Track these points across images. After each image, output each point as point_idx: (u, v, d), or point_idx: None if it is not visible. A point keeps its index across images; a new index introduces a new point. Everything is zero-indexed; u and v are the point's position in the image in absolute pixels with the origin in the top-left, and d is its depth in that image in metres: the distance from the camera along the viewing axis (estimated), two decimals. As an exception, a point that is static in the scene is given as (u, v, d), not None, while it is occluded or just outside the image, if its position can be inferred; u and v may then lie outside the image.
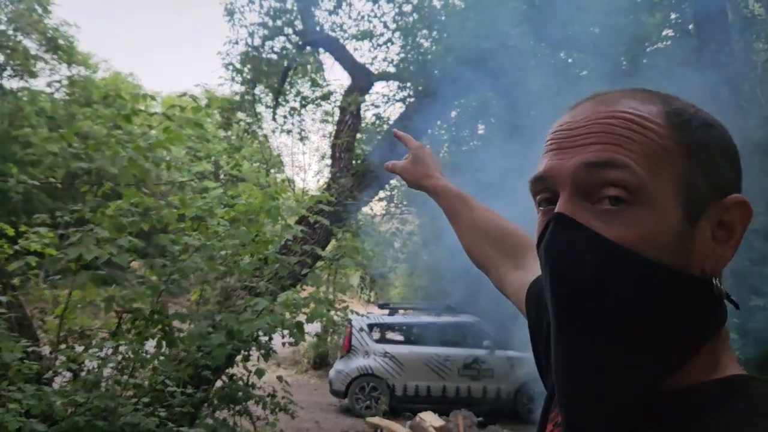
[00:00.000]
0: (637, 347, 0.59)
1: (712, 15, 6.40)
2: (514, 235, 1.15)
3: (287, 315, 4.05)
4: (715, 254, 0.60)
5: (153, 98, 4.68)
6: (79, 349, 4.33)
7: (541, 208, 0.69)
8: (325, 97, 9.54)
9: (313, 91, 9.65)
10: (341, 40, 7.82)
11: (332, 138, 7.40)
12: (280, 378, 4.93)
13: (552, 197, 0.66)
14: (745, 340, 5.40)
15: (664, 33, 8.95)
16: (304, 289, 5.05)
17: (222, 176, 21.43)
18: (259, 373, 4.28)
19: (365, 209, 8.89)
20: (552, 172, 0.64)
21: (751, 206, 0.60)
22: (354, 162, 6.83)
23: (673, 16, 8.56)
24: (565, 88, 7.52)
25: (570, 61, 8.88)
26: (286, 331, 4.66)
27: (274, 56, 8.30)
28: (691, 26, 7.21)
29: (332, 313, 4.18)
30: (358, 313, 5.47)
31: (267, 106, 9.15)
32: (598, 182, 0.60)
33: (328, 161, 12.15)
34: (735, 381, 0.60)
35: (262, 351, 4.73)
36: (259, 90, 8.89)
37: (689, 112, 0.63)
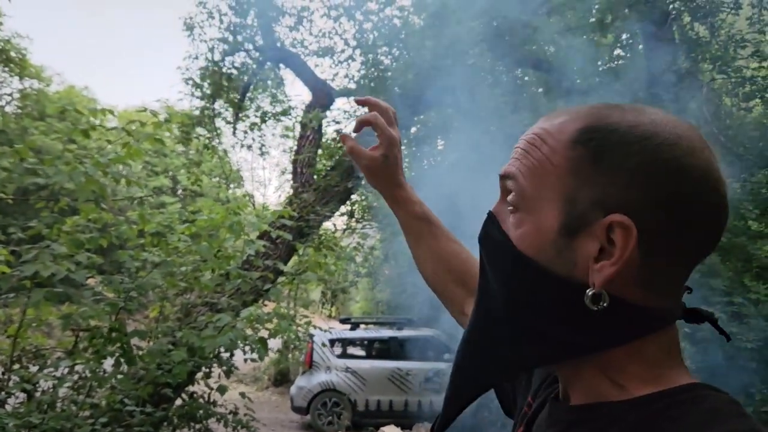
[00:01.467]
0: (517, 335, 0.67)
1: (660, 37, 6.67)
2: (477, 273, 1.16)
3: (250, 331, 4.02)
4: (595, 268, 0.61)
5: (112, 113, 4.61)
6: (34, 369, 4.22)
7: None
8: (285, 112, 9.54)
9: (274, 106, 9.64)
10: (302, 57, 7.85)
11: (293, 153, 7.40)
12: (243, 395, 4.88)
13: None
14: (697, 349, 5.58)
15: (615, 53, 9.27)
16: (265, 305, 5.03)
17: (180, 191, 21.15)
18: (222, 389, 4.24)
19: (326, 224, 8.89)
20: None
21: (631, 227, 0.59)
22: (315, 177, 6.85)
23: (624, 36, 8.88)
24: (522, 105, 7.72)
25: (526, 78, 9.12)
26: (248, 347, 4.64)
27: (234, 71, 8.28)
28: (640, 47, 7.48)
29: (295, 328, 4.17)
30: (320, 329, 5.45)
31: (227, 122, 9.10)
32: (505, 188, 0.71)
33: (289, 176, 12.15)
34: (687, 390, 0.61)
35: (224, 368, 4.69)
36: (218, 105, 8.84)
37: (604, 129, 0.62)
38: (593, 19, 7.59)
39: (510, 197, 0.68)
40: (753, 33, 6.73)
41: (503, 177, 0.70)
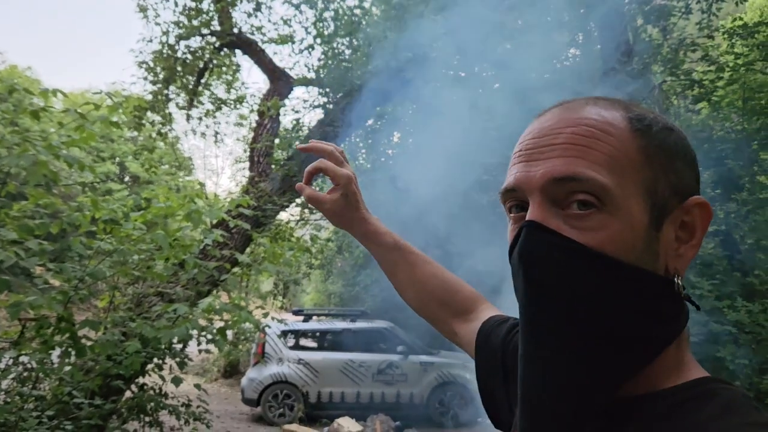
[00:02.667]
0: (605, 347, 0.61)
1: (616, 38, 6.83)
2: (461, 292, 1.13)
3: (204, 322, 3.95)
4: (677, 254, 0.63)
5: (64, 94, 4.40)
6: (-25, 359, 4.04)
7: (511, 215, 0.71)
8: (240, 99, 9.38)
9: (228, 93, 9.46)
10: (260, 44, 7.71)
11: (250, 142, 7.28)
12: (198, 386, 4.78)
13: (522, 204, 0.68)
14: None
15: (571, 51, 9.45)
16: (219, 296, 4.93)
17: (127, 178, 20.55)
18: (177, 381, 4.14)
19: (280, 215, 8.80)
20: (520, 184, 0.66)
21: (710, 207, 0.63)
22: (273, 166, 6.75)
23: (577, 37, 9.06)
24: (478, 101, 7.79)
25: (484, 74, 9.20)
26: (203, 338, 4.55)
27: (190, 56, 8.08)
28: (596, 47, 7.65)
29: (255, 318, 4.11)
30: (277, 320, 5.38)
31: (180, 107, 8.88)
32: (566, 191, 0.63)
33: (243, 165, 11.97)
34: (702, 383, 0.62)
35: (177, 359, 4.59)
36: (171, 90, 8.62)
37: (649, 118, 0.65)
38: (550, 18, 7.73)
39: (584, 196, 0.61)
40: (702, 37, 6.97)
41: (562, 178, 0.62)
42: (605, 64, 7.19)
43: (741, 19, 7.20)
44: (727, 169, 6.64)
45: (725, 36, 7.07)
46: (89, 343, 4.11)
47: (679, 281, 0.62)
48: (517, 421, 0.68)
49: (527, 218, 0.65)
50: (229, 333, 4.48)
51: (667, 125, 0.66)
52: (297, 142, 7.67)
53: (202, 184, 12.38)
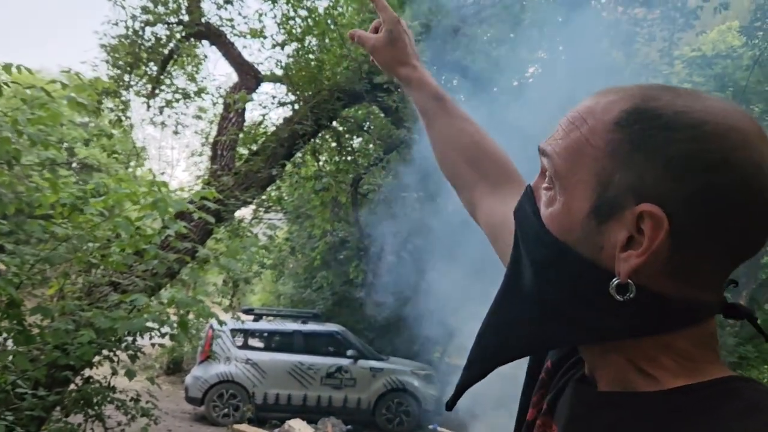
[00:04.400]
0: (539, 312, 0.66)
1: (582, 58, 7.01)
2: (494, 156, 1.07)
3: (169, 314, 3.84)
4: (620, 257, 0.60)
5: (29, 71, 4.20)
6: None
7: None
8: (201, 91, 9.19)
9: (189, 84, 9.26)
10: (229, 36, 7.59)
11: (215, 135, 7.14)
12: (151, 379, 4.65)
13: None
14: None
15: (533, 69, 9.66)
16: (181, 289, 4.82)
17: (75, 164, 19.83)
18: (130, 374, 4.01)
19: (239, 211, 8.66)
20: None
21: (663, 219, 0.57)
22: (236, 161, 6.64)
23: (543, 54, 9.27)
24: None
25: (449, 85, 9.31)
26: (157, 332, 4.42)
27: (154, 43, 7.88)
28: (561, 67, 7.83)
29: (214, 313, 4.02)
30: (236, 317, 5.23)
31: (139, 95, 8.64)
32: (542, 165, 0.69)
33: (199, 158, 11.73)
34: (723, 382, 0.60)
35: (130, 352, 4.44)
36: (131, 77, 8.37)
37: (649, 113, 0.60)
38: (513, 35, 7.88)
39: (545, 175, 0.68)
40: (663, 65, 7.22)
41: (540, 151, 0.68)
42: (569, 84, 7.37)
43: (700, 49, 7.49)
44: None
45: (684, 65, 7.34)
46: (37, 331, 3.94)
47: (615, 283, 0.60)
48: None
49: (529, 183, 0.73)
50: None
51: (672, 124, 0.59)
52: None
53: (155, 175, 12.06)
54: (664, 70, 7.23)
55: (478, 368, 0.72)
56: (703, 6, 7.00)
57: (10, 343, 3.86)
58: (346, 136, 9.38)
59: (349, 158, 9.20)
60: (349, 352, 9.81)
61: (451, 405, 0.78)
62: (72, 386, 4.77)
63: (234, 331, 9.70)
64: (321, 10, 6.92)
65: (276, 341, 10.13)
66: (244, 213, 10.52)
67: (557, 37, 7.35)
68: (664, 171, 0.57)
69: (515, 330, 0.69)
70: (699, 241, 0.58)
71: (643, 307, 0.60)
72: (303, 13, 6.95)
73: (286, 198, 11.05)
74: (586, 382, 0.70)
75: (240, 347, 9.75)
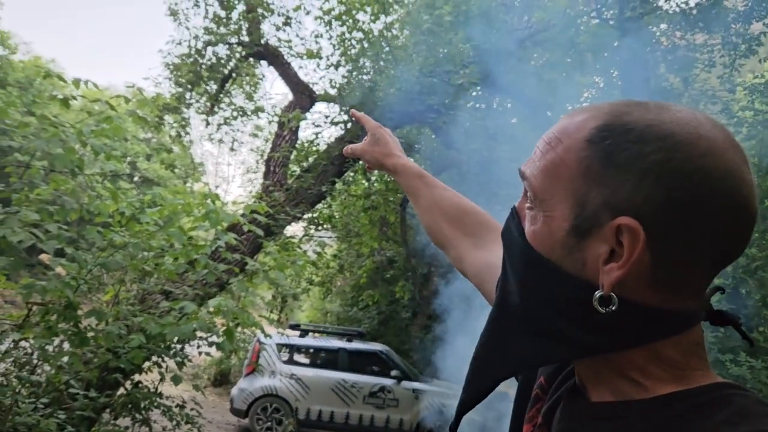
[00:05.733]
0: (520, 328, 0.69)
1: (637, 83, 6.90)
2: (473, 214, 1.18)
3: (216, 322, 3.94)
4: (604, 270, 0.61)
5: (96, 86, 4.46)
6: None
7: None
8: (259, 110, 9.46)
9: (247, 103, 9.55)
10: (286, 57, 7.81)
11: (268, 152, 7.33)
12: (196, 387, 4.76)
13: None
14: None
15: (587, 93, 9.54)
16: (228, 299, 4.92)
17: (136, 178, 20.63)
18: (177, 380, 4.12)
19: (287, 229, 8.83)
20: None
21: (638, 231, 0.58)
22: (288, 178, 6.79)
23: (598, 79, 9.15)
24: (496, 132, 7.86)
25: (501, 108, 9.30)
26: (204, 340, 4.54)
27: (215, 62, 8.18)
28: (616, 91, 7.72)
29: (261, 324, 4.10)
30: (281, 332, 5.33)
31: (199, 112, 8.96)
32: (524, 187, 0.71)
33: (254, 175, 12.02)
34: (714, 389, 0.61)
35: (177, 359, 4.56)
36: (191, 95, 8.71)
37: (619, 128, 0.61)
38: (568, 59, 7.82)
39: (528, 194, 0.69)
40: (723, 91, 7.03)
41: (520, 174, 0.71)
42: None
43: (763, 76, 7.27)
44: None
45: (746, 92, 7.13)
46: (92, 334, 4.10)
47: (598, 295, 0.61)
48: None
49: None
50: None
51: (643, 138, 0.60)
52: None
53: (210, 189, 12.42)
54: (725, 97, 7.05)
55: (475, 389, 0.74)
56: (767, 32, 6.81)
57: (65, 344, 4.02)
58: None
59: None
60: (393, 373, 9.76)
61: (453, 429, 0.81)
62: (122, 390, 4.93)
63: (280, 346, 9.80)
64: (376, 33, 7.04)
65: (321, 358, 10.17)
66: (295, 229, 10.71)
67: (612, 62, 7.26)
68: (636, 184, 0.59)
69: (508, 348, 0.70)
70: (677, 250, 0.59)
71: (628, 319, 0.61)
72: (358, 35, 7.09)
73: (336, 216, 11.19)
74: (578, 393, 0.71)
75: (285, 362, 9.83)
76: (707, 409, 0.58)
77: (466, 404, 0.75)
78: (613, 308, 0.60)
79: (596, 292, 0.61)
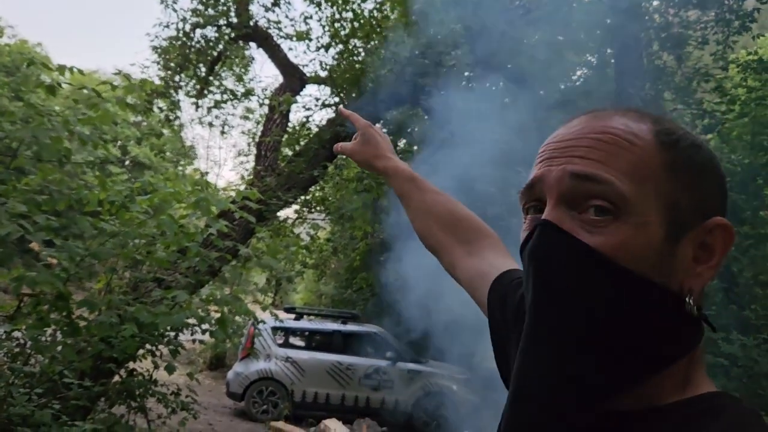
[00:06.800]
0: (603, 354, 0.60)
1: (630, 61, 6.86)
2: (466, 221, 1.15)
3: (204, 311, 3.92)
4: (694, 273, 0.61)
5: (81, 72, 4.37)
6: (-32, 331, 4.00)
7: (528, 216, 0.71)
8: (249, 92, 9.38)
9: (237, 85, 9.46)
10: (276, 38, 7.71)
11: (259, 136, 7.26)
12: (190, 375, 4.76)
13: (540, 206, 0.68)
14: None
15: (579, 72, 9.48)
16: (220, 287, 4.91)
17: (128, 162, 20.46)
18: (170, 368, 4.11)
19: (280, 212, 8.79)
20: (540, 178, 0.67)
21: (733, 230, 0.61)
22: (280, 162, 6.74)
23: (591, 58, 9.09)
24: (489, 114, 7.81)
25: (494, 88, 9.23)
26: (197, 328, 4.52)
27: (204, 45, 8.06)
28: (609, 70, 7.68)
29: (252, 311, 4.09)
30: (275, 315, 5.33)
31: (189, 96, 8.86)
32: (583, 193, 0.62)
33: (246, 158, 11.94)
34: (709, 399, 0.61)
35: (171, 347, 4.55)
36: (182, 78, 8.60)
37: (678, 133, 0.64)
38: (561, 37, 7.75)
39: (601, 202, 0.61)
40: (716, 69, 7.00)
41: (581, 177, 0.62)
42: (617, 87, 7.21)
43: (756, 53, 7.23)
44: (730, 201, 6.66)
45: (739, 69, 7.10)
46: (84, 324, 4.08)
47: (690, 301, 0.60)
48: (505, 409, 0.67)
49: (543, 217, 0.65)
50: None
51: (696, 142, 0.64)
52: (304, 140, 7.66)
53: (204, 174, 12.35)
54: (718, 75, 7.01)
55: None
56: (760, 8, 6.76)
57: (58, 335, 4.00)
58: (390, 138, 9.41)
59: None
60: (388, 354, 9.80)
61: None
62: (116, 378, 4.92)
63: (275, 329, 9.82)
64: (366, 13, 6.96)
65: (316, 340, 10.21)
66: (288, 212, 10.67)
67: (605, 40, 7.21)
68: (712, 185, 0.63)
69: (573, 387, 0.61)
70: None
71: (697, 323, 0.62)
72: (348, 15, 7.00)
73: (329, 199, 11.15)
74: None
75: (281, 345, 9.85)
76: (704, 420, 0.58)
77: None
78: (697, 312, 0.60)
79: (687, 298, 0.60)
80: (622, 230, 0.60)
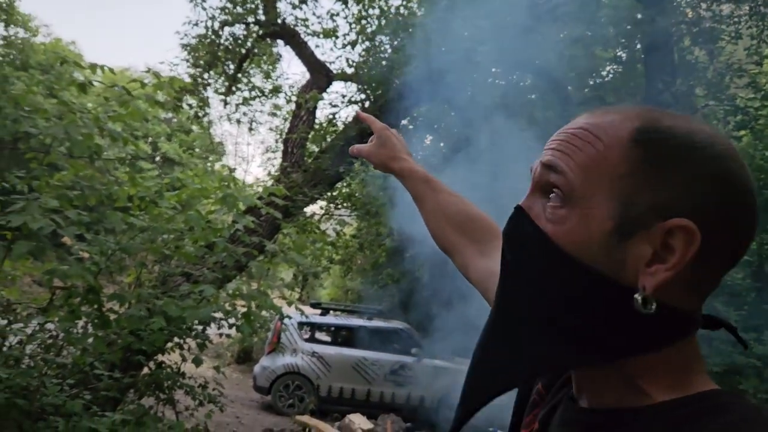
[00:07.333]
0: (543, 333, 0.65)
1: (661, 57, 6.75)
2: (479, 221, 1.17)
3: (230, 306, 3.98)
4: (648, 272, 0.60)
5: (112, 71, 4.48)
6: (3, 322, 4.11)
7: None
8: (277, 90, 9.45)
9: (265, 82, 9.54)
10: (303, 36, 7.76)
11: (286, 132, 7.32)
12: (217, 368, 4.84)
13: None
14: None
15: (609, 68, 9.35)
16: (246, 282, 4.98)
17: (158, 158, 20.80)
18: (197, 361, 4.18)
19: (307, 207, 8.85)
20: (531, 168, 0.72)
21: (695, 232, 0.58)
22: (306, 159, 6.79)
23: (620, 53, 8.96)
24: (515, 110, 7.76)
25: (522, 84, 9.16)
26: (224, 322, 4.59)
27: (232, 43, 8.15)
28: (639, 66, 7.56)
29: (278, 306, 4.14)
30: (300, 311, 5.38)
31: (218, 93, 8.97)
32: (547, 182, 0.67)
33: (273, 155, 12.05)
34: (710, 396, 0.61)
35: (198, 340, 4.63)
36: (210, 75, 8.71)
37: (664, 132, 0.62)
38: (589, 33, 7.65)
39: (554, 192, 0.66)
40: (750, 64, 6.84)
41: (547, 167, 0.67)
42: (648, 83, 7.10)
43: (791, 48, 7.05)
44: (764, 199, 6.52)
45: (774, 64, 6.93)
46: (114, 317, 4.18)
47: (639, 297, 0.60)
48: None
49: (519, 203, 0.71)
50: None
51: (688, 143, 0.61)
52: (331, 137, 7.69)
53: (232, 170, 12.50)
54: (751, 70, 6.85)
55: (476, 400, 0.71)
56: (797, 1, 6.59)
57: (89, 327, 4.09)
58: (416, 135, 9.40)
59: (418, 156, 9.22)
60: (414, 350, 9.81)
61: None
62: (145, 370, 5.02)
63: (301, 324, 9.90)
64: (393, 10, 6.96)
65: (342, 336, 10.26)
66: (315, 208, 10.75)
67: (635, 35, 7.10)
68: (686, 187, 0.60)
69: (521, 353, 0.67)
70: (714, 254, 0.61)
71: (659, 321, 0.61)
72: (375, 12, 7.01)
73: (356, 195, 11.19)
74: (576, 400, 0.70)
75: (307, 340, 9.94)
76: (707, 417, 0.58)
77: (466, 416, 0.72)
78: (652, 310, 0.59)
79: (636, 294, 0.60)
80: (569, 219, 0.64)
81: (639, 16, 7.10)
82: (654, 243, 0.60)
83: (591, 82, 8.25)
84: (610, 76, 8.74)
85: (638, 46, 7.48)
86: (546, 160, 0.68)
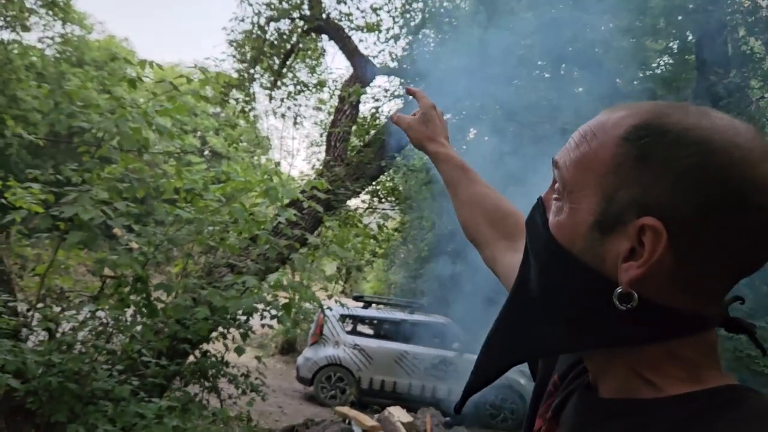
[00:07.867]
0: (538, 316, 0.70)
1: (714, 48, 6.53)
2: (512, 216, 1.17)
3: (272, 297, 4.06)
4: (621, 268, 0.61)
5: (160, 67, 4.63)
6: (57, 309, 4.29)
7: None
8: (321, 84, 9.53)
9: (310, 77, 9.63)
10: (347, 30, 7.80)
11: (329, 126, 7.39)
12: (258, 358, 4.94)
13: None
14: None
15: (659, 60, 9.10)
16: (287, 274, 5.06)
17: (206, 152, 21.25)
18: (240, 351, 4.28)
19: (350, 201, 8.91)
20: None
21: (660, 231, 0.58)
22: (349, 153, 6.84)
23: (672, 44, 8.71)
24: (561, 103, 7.63)
25: (570, 76, 8.99)
26: (267, 313, 4.68)
27: (278, 38, 8.26)
28: (691, 57, 7.34)
29: (319, 298, 4.19)
30: (340, 303, 5.46)
31: (263, 87, 9.11)
32: (554, 176, 0.71)
33: (318, 149, 12.16)
34: (726, 391, 0.61)
35: (241, 330, 4.73)
36: (256, 70, 8.85)
37: (655, 129, 0.61)
38: (639, 23, 7.45)
39: (557, 186, 0.70)
40: (809, 55, 6.57)
41: (553, 162, 0.71)
42: (700, 75, 6.89)
43: None
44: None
45: (836, 55, 6.63)
46: (161, 306, 4.31)
47: (617, 292, 0.61)
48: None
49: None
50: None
51: (677, 141, 0.60)
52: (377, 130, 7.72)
53: (277, 164, 12.68)
54: (811, 61, 6.58)
55: (486, 372, 0.76)
56: None
57: (137, 315, 4.23)
58: (460, 128, 9.35)
59: (462, 149, 9.17)
60: (455, 345, 9.78)
61: (458, 409, 0.83)
62: (191, 359, 5.17)
63: (344, 317, 9.99)
64: (437, 4, 6.93)
65: (384, 329, 10.30)
66: (356, 202, 10.81)
67: (687, 26, 6.89)
68: (667, 185, 0.59)
69: (523, 334, 0.72)
70: (700, 254, 0.59)
71: (646, 317, 0.62)
72: (419, 5, 6.99)
73: (399, 189, 11.20)
74: (591, 390, 0.71)
75: (349, 332, 10.02)
76: (721, 410, 0.58)
77: (475, 387, 0.77)
78: (633, 305, 0.61)
79: (616, 289, 0.61)
80: (562, 212, 0.67)
81: (691, 6, 6.88)
82: (631, 239, 0.61)
83: (641, 75, 8.03)
84: (661, 68, 8.50)
85: (690, 37, 7.25)
86: (554, 157, 0.71)
